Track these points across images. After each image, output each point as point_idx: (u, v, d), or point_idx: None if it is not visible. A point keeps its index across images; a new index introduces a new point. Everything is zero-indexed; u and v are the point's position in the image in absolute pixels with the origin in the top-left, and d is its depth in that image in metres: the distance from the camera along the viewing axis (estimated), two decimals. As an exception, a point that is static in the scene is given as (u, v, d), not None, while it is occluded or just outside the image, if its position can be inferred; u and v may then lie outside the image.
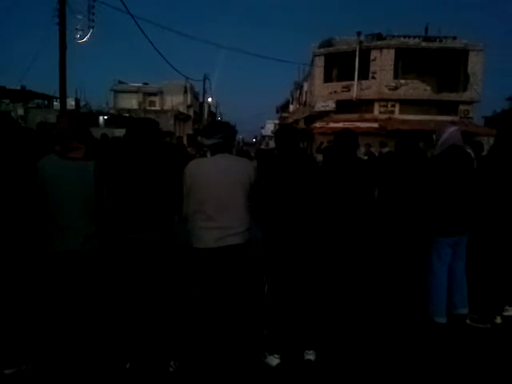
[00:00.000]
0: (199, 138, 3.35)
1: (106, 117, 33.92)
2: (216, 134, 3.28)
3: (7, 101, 25.57)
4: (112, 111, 38.69)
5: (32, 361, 3.34)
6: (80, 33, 17.91)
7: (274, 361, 3.51)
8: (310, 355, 3.54)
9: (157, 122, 3.43)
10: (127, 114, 34.80)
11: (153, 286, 3.31)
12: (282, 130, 3.76)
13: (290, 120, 32.57)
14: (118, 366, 3.32)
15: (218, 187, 3.22)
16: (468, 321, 4.33)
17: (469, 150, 4.29)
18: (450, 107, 25.88)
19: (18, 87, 24.10)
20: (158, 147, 3.38)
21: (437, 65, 25.91)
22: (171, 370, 3.34)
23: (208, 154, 3.30)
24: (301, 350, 3.57)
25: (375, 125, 24.11)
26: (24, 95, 24.41)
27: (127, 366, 3.32)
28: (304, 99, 34.80)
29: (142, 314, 3.33)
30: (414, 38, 27.26)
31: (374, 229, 3.95)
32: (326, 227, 3.81)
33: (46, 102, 33.67)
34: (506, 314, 4.44)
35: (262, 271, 3.62)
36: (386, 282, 4.04)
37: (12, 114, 25.00)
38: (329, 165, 4.22)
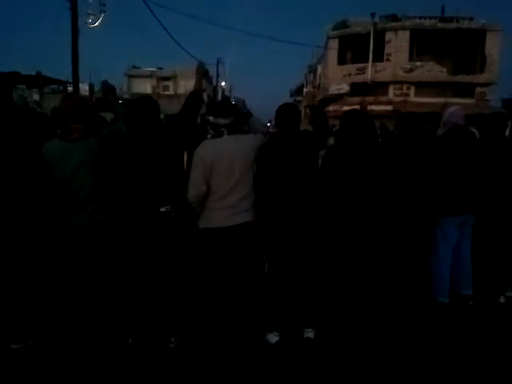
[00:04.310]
0: (212, 118, 3.32)
1: (120, 101, 34.00)
2: (232, 113, 3.34)
3: (23, 86, 25.69)
4: (126, 96, 38.69)
5: (37, 335, 3.44)
6: (92, 17, 17.95)
7: (273, 338, 3.55)
8: (309, 333, 3.57)
9: (156, 101, 3.44)
10: (141, 99, 34.62)
11: (158, 262, 3.37)
12: (283, 109, 3.60)
13: (304, 104, 32.41)
14: (121, 341, 3.41)
15: (233, 167, 3.27)
16: (471, 302, 4.32)
17: (473, 130, 4.27)
18: (466, 89, 25.36)
19: (34, 73, 24.20)
20: (159, 124, 3.42)
21: (453, 46, 25.41)
22: (172, 346, 3.41)
23: (224, 134, 3.33)
24: (300, 328, 3.61)
25: (389, 108, 23.80)
26: (39, 81, 24.48)
27: (130, 341, 3.41)
28: (318, 82, 34.46)
29: (145, 289, 3.40)
30: (430, 18, 26.71)
31: (379, 210, 3.87)
32: (330, 208, 3.75)
33: (61, 88, 33.75)
34: (508, 294, 4.44)
35: (262, 250, 3.64)
36: (387, 263, 4.03)
37: (28, 99, 25.18)
38: (336, 147, 4.09)
